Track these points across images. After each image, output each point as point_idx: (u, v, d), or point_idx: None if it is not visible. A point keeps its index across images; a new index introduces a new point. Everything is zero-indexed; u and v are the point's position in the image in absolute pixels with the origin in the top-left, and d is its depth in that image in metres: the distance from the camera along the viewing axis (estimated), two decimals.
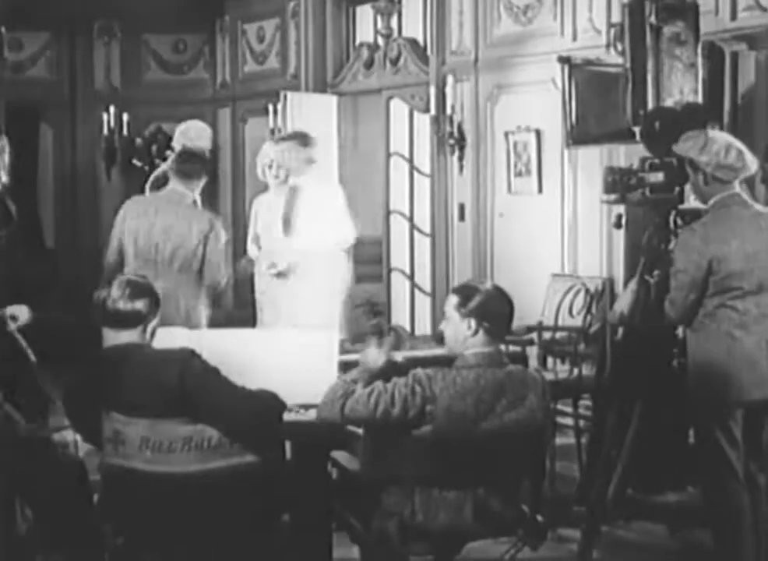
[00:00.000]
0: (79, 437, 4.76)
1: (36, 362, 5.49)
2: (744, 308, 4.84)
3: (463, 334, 4.39)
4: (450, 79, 9.05)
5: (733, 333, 4.82)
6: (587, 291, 7.29)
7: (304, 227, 7.38)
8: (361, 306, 4.97)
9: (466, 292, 4.44)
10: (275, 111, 10.27)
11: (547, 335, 7.03)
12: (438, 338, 4.61)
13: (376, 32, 10.26)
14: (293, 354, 4.88)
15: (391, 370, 4.46)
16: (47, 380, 5.53)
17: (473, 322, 4.37)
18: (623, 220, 5.19)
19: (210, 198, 8.19)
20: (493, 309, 4.39)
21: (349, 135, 10.47)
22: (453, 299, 4.46)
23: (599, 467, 5.07)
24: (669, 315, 4.91)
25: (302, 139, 7.54)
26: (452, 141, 9.08)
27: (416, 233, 10.01)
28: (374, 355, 4.54)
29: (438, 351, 5.84)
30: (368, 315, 4.88)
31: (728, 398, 4.84)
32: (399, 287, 10.08)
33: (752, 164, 4.87)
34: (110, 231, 6.78)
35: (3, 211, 6.51)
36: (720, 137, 4.90)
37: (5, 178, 6.69)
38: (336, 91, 10.55)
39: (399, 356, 4.71)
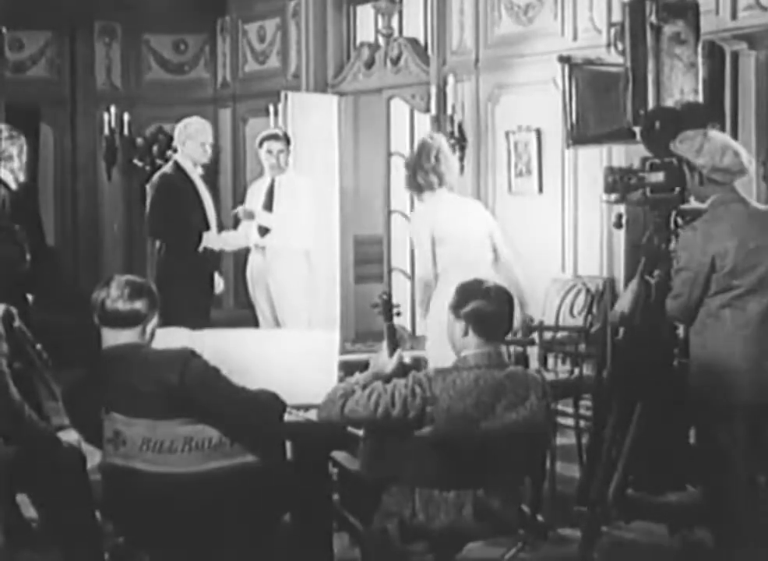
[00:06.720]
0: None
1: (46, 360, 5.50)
2: (746, 306, 4.84)
3: (456, 335, 4.40)
4: (451, 79, 9.05)
5: (737, 333, 4.82)
6: (588, 290, 7.29)
7: None
8: (376, 306, 4.92)
9: (463, 294, 4.42)
10: (275, 111, 10.27)
11: (547, 335, 7.02)
12: None
13: (377, 32, 10.25)
14: (293, 355, 4.88)
15: (400, 373, 4.44)
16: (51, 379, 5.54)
17: (465, 325, 4.37)
18: (623, 220, 5.18)
19: (211, 198, 8.17)
20: (488, 315, 4.35)
21: (349, 135, 10.46)
22: (452, 299, 4.46)
23: (599, 467, 5.07)
24: (671, 313, 4.91)
25: None
26: (452, 141, 9.05)
27: None
28: (384, 360, 4.53)
29: None
30: (385, 316, 4.82)
31: (733, 399, 4.84)
32: (400, 286, 10.07)
33: (749, 165, 4.86)
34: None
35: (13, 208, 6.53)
36: (716, 139, 4.89)
37: (22, 177, 6.73)
38: (336, 91, 10.54)
39: (407, 357, 4.70)
